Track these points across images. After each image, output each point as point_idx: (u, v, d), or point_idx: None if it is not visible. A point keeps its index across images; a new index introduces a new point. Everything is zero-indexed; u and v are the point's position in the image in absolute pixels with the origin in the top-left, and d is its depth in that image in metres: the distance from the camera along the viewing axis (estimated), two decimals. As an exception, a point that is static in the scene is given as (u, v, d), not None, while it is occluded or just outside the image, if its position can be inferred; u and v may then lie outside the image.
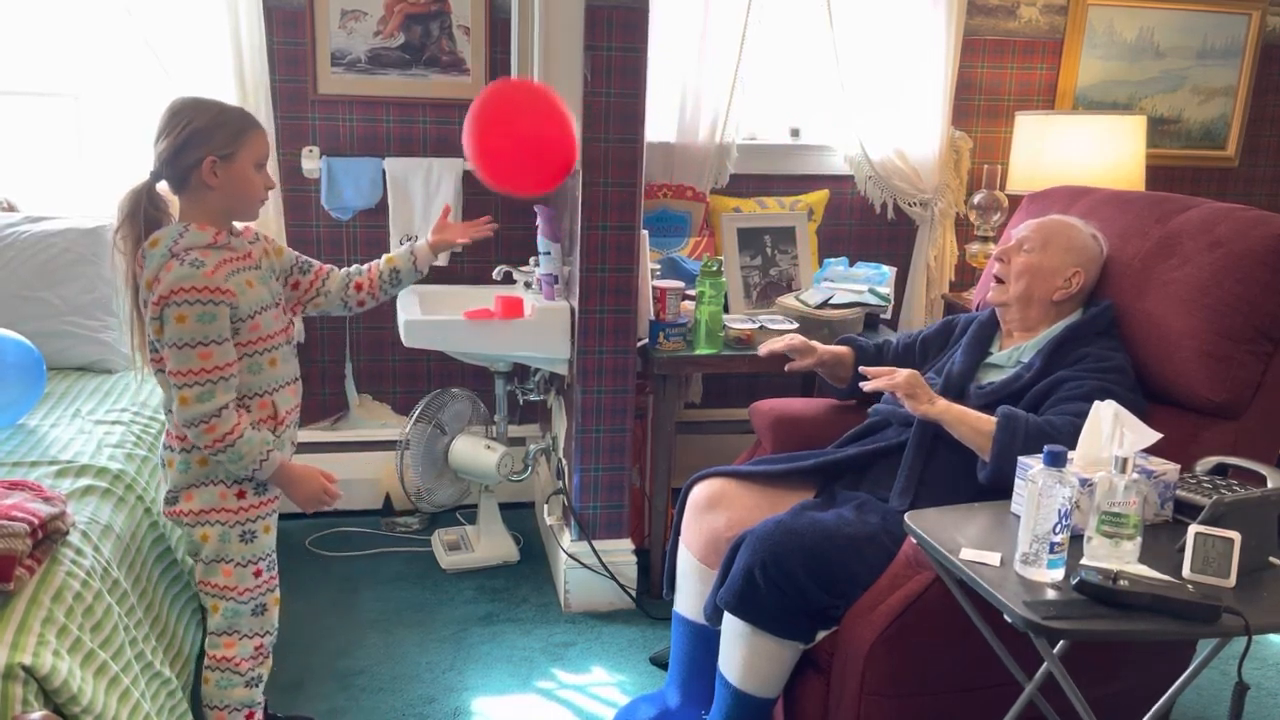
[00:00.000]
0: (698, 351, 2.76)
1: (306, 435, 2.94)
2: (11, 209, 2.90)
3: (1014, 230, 2.26)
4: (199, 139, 1.73)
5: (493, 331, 2.68)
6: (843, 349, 2.45)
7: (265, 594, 1.92)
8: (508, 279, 2.95)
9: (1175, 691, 1.65)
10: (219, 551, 1.85)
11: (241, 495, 1.84)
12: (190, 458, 1.82)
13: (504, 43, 3.06)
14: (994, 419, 1.94)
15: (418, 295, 2.91)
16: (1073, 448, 1.72)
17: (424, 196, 3.11)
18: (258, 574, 1.89)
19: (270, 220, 3.01)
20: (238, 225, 1.86)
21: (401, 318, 2.72)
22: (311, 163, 3.06)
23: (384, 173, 3.09)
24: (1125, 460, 1.54)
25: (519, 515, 3.21)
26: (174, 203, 1.81)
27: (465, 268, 3.20)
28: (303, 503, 1.89)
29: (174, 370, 1.72)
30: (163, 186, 1.78)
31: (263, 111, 2.95)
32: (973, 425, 1.97)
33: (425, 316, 2.72)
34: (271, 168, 2.98)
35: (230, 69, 2.88)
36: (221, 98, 2.82)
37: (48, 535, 1.59)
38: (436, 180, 3.10)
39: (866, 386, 2.10)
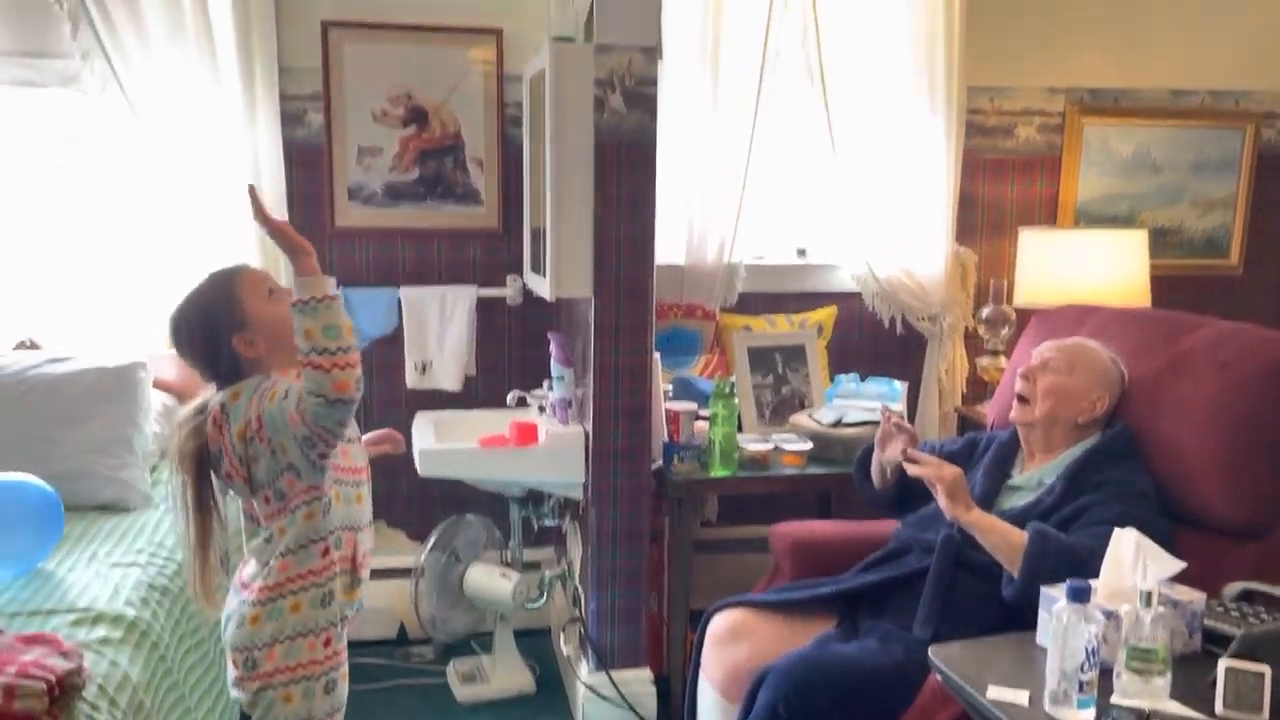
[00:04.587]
0: (713, 473, 2.76)
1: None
2: (34, 347, 2.95)
3: (1037, 349, 2.27)
4: (215, 334, 1.70)
5: (507, 458, 2.69)
6: None
7: None
8: (521, 404, 2.97)
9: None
10: (302, 711, 1.72)
11: (328, 643, 1.74)
12: (283, 605, 1.70)
13: (517, 172, 3.16)
14: (1025, 533, 1.92)
15: (433, 422, 2.94)
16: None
17: (439, 323, 3.16)
18: None
19: (287, 351, 3.05)
20: None
21: (417, 447, 2.73)
22: (328, 294, 3.11)
23: (399, 301, 3.15)
24: (1150, 594, 1.53)
25: (535, 642, 3.17)
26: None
27: (479, 393, 3.23)
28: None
29: (299, 419, 1.60)
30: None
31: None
32: (1004, 537, 1.96)
33: (440, 445, 2.74)
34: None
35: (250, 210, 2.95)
36: (240, 238, 2.95)
37: (64, 691, 1.58)
38: (451, 307, 3.15)
39: (912, 471, 2.07)
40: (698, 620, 2.34)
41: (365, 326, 3.15)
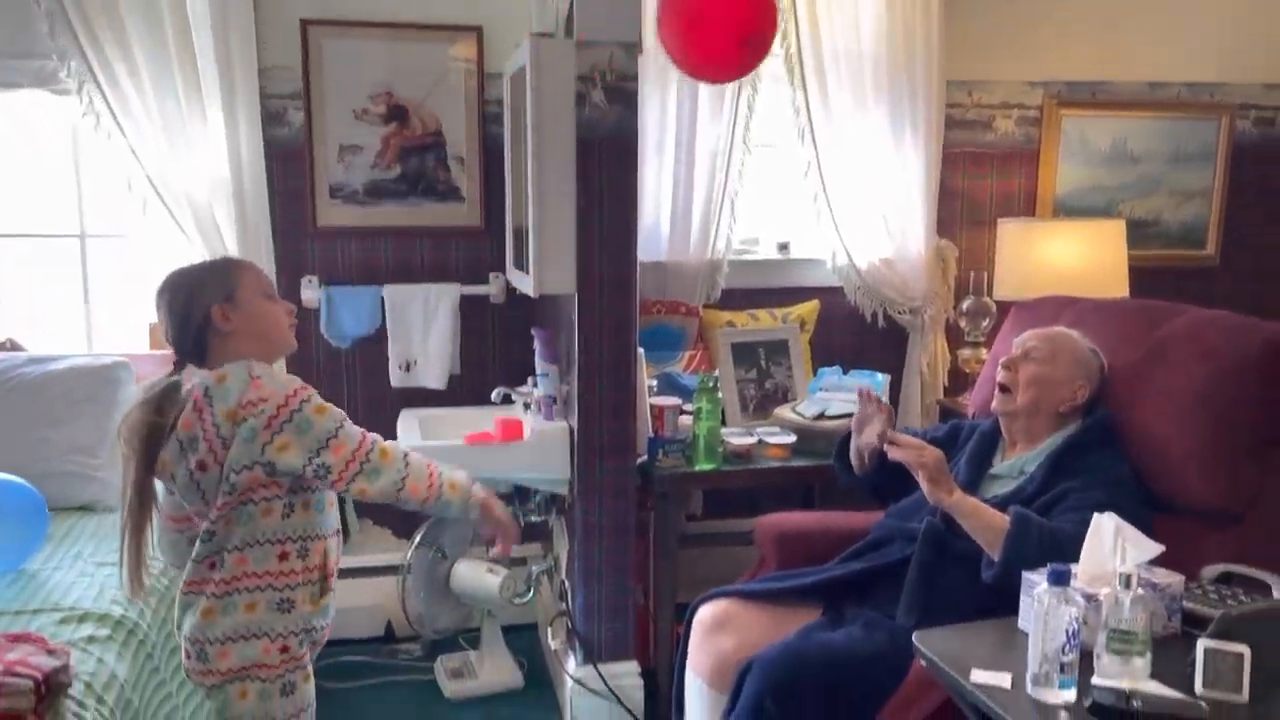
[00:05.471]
0: (697, 467, 2.77)
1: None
2: (16, 348, 2.94)
3: (1018, 339, 2.30)
4: (194, 299, 1.71)
5: (493, 454, 2.70)
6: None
7: None
8: (506, 400, 2.97)
9: (1198, 811, 1.62)
10: (258, 711, 1.71)
11: (285, 650, 1.73)
12: (237, 603, 1.70)
13: (498, 170, 3.16)
14: (1007, 517, 1.94)
15: (417, 419, 2.94)
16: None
17: (422, 321, 3.16)
18: None
19: (271, 350, 3.04)
20: None
21: (403, 444, 2.73)
22: (311, 292, 3.12)
23: (382, 300, 3.15)
24: (1129, 577, 1.55)
25: (522, 637, 3.18)
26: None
27: (464, 391, 3.23)
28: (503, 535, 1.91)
29: (353, 449, 1.67)
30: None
31: (263, 245, 3.02)
32: (986, 521, 1.97)
33: (426, 442, 2.74)
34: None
35: (231, 205, 2.96)
36: (223, 232, 2.95)
37: (51, 690, 1.58)
38: (434, 305, 3.16)
39: (893, 455, 2.08)
40: (684, 613, 2.35)
41: (348, 325, 3.15)
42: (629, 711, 2.72)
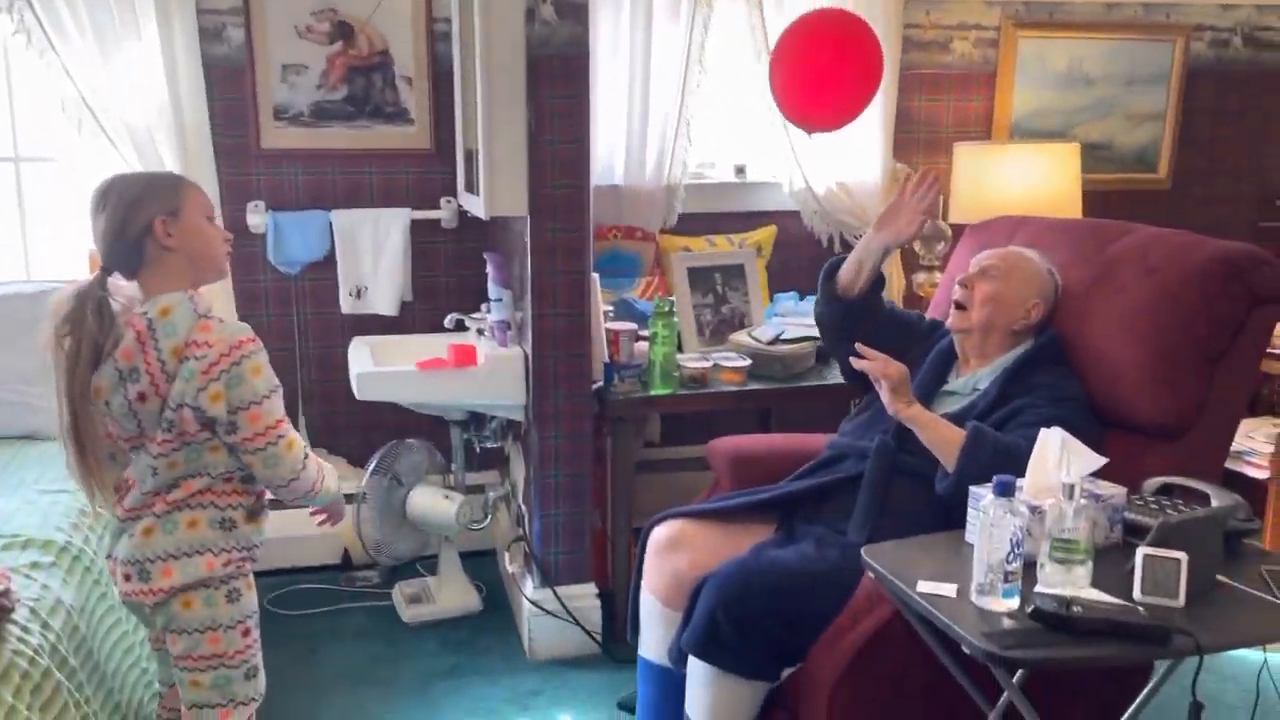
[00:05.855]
0: (653, 392, 2.77)
1: (261, 493, 2.92)
2: (-49, 276, 2.85)
3: (975, 258, 2.30)
4: (137, 208, 1.66)
5: (446, 381, 2.68)
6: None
7: (256, 654, 1.81)
8: (460, 327, 2.94)
9: (1133, 712, 1.67)
10: (205, 619, 1.71)
11: (228, 563, 1.72)
12: (178, 520, 1.69)
13: (448, 91, 3.08)
14: (963, 431, 1.97)
15: (369, 346, 2.90)
16: None
17: (373, 247, 3.10)
18: (246, 633, 1.77)
19: (217, 277, 2.98)
20: None
21: (354, 370, 2.71)
22: (257, 218, 3.05)
23: (331, 225, 3.08)
24: (1073, 487, 1.58)
25: (480, 563, 3.19)
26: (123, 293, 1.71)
27: (417, 316, 3.20)
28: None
29: (267, 424, 1.66)
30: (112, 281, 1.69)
31: (205, 168, 2.94)
32: (943, 435, 1.99)
33: (378, 368, 2.71)
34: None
35: (171, 127, 2.87)
36: (163, 155, 2.87)
37: (-8, 613, 1.56)
38: (385, 231, 3.10)
39: (858, 365, 2.08)
40: (640, 537, 2.36)
41: (296, 251, 3.09)
42: (587, 632, 2.75)
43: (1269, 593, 1.58)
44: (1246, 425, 3.11)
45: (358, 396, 2.68)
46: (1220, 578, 1.63)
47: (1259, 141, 3.88)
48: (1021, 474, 1.72)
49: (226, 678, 1.76)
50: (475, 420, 3.00)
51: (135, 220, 1.66)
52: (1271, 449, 3.00)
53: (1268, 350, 2.26)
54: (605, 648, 2.76)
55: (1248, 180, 3.89)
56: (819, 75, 2.84)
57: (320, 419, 3.23)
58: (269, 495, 1.81)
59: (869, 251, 2.35)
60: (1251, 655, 1.56)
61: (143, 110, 2.85)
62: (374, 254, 3.10)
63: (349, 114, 3.08)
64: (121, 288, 1.69)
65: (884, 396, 2.04)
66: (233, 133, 3.02)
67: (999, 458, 1.87)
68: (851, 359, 2.10)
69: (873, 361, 2.06)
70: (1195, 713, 1.50)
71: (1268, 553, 1.78)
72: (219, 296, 3.01)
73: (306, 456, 1.75)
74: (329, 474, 1.82)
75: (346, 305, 3.13)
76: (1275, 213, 3.90)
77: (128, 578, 1.71)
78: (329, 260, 3.11)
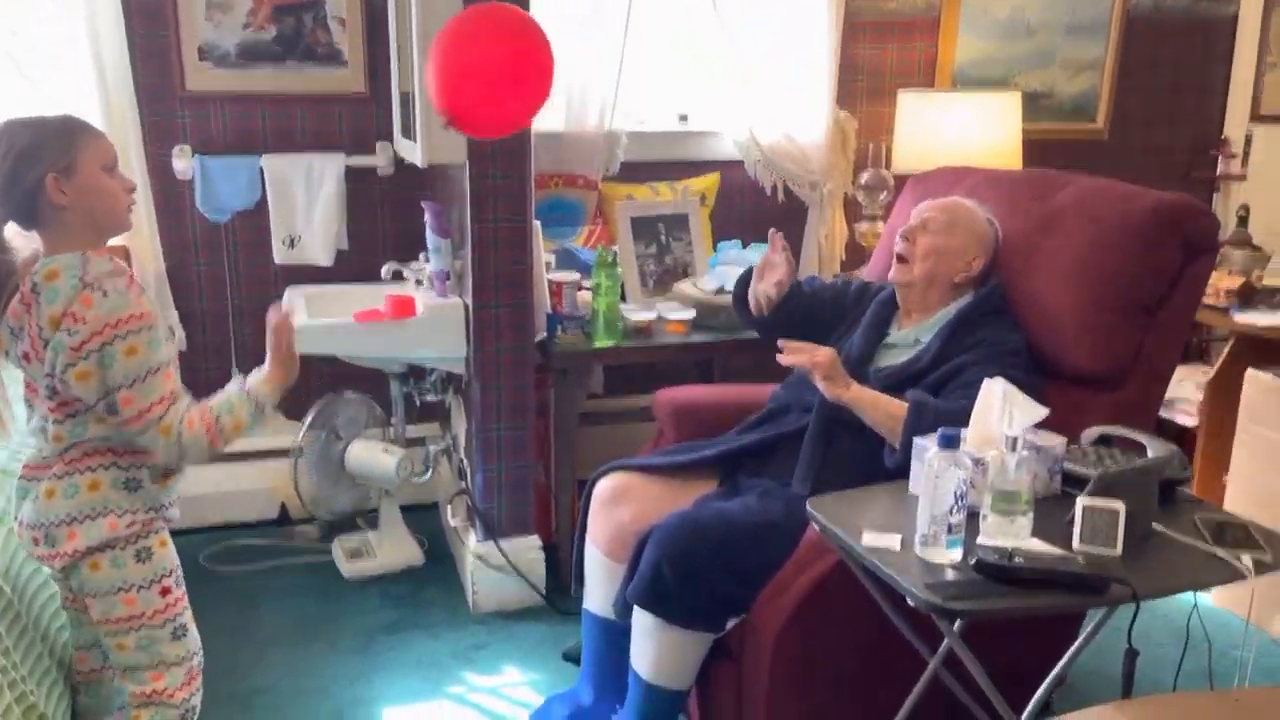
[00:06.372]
0: (597, 344, 2.74)
1: (193, 448, 2.86)
2: None
3: (916, 210, 2.29)
4: (28, 160, 1.57)
5: (384, 333, 2.62)
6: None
7: (181, 612, 1.76)
8: (397, 277, 2.87)
9: (1070, 658, 1.71)
10: (115, 580, 1.68)
11: (132, 524, 1.68)
12: (79, 482, 1.65)
13: (383, 34, 2.97)
14: (905, 405, 1.96)
15: (304, 297, 2.82)
16: None
17: (306, 194, 3.00)
18: (165, 592, 1.72)
19: (142, 225, 2.87)
20: None
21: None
22: (183, 162, 2.93)
23: (262, 171, 2.98)
24: (1015, 440, 1.59)
25: (422, 517, 3.15)
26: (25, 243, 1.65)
27: (354, 265, 3.11)
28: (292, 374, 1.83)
29: (141, 408, 1.60)
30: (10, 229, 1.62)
31: (127, 110, 2.82)
32: (885, 410, 1.99)
33: (313, 321, 2.63)
34: (139, 169, 2.85)
35: (89, 66, 2.73)
36: (82, 97, 2.73)
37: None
38: (318, 177, 3.00)
39: (784, 360, 2.06)
40: (584, 490, 2.35)
41: (225, 198, 2.98)
42: (531, 584, 2.74)
43: (1201, 540, 1.62)
44: (1176, 374, 3.18)
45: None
46: (1156, 526, 1.66)
47: (1193, 92, 3.92)
48: (966, 434, 1.72)
49: (150, 638, 1.72)
50: (415, 373, 2.94)
51: (25, 174, 1.58)
52: (1200, 397, 3.08)
53: (1202, 303, 2.30)
54: (549, 600, 2.75)
55: (1182, 130, 3.94)
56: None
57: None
58: None
59: (760, 295, 2.38)
60: (1183, 597, 1.59)
61: (59, 47, 2.70)
62: (307, 201, 3.00)
63: (278, 55, 2.96)
64: (22, 239, 1.63)
65: (819, 385, 2.01)
66: (156, 73, 2.89)
67: (943, 425, 1.87)
68: (778, 357, 2.07)
69: (797, 355, 2.03)
70: (1130, 658, 1.53)
71: (1200, 501, 1.82)
72: (145, 247, 2.90)
73: (181, 432, 1.64)
74: (226, 416, 1.69)
75: (280, 254, 3.03)
76: (1208, 162, 3.97)
77: (35, 542, 1.68)
78: (260, 208, 3.00)
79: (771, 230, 2.41)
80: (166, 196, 2.97)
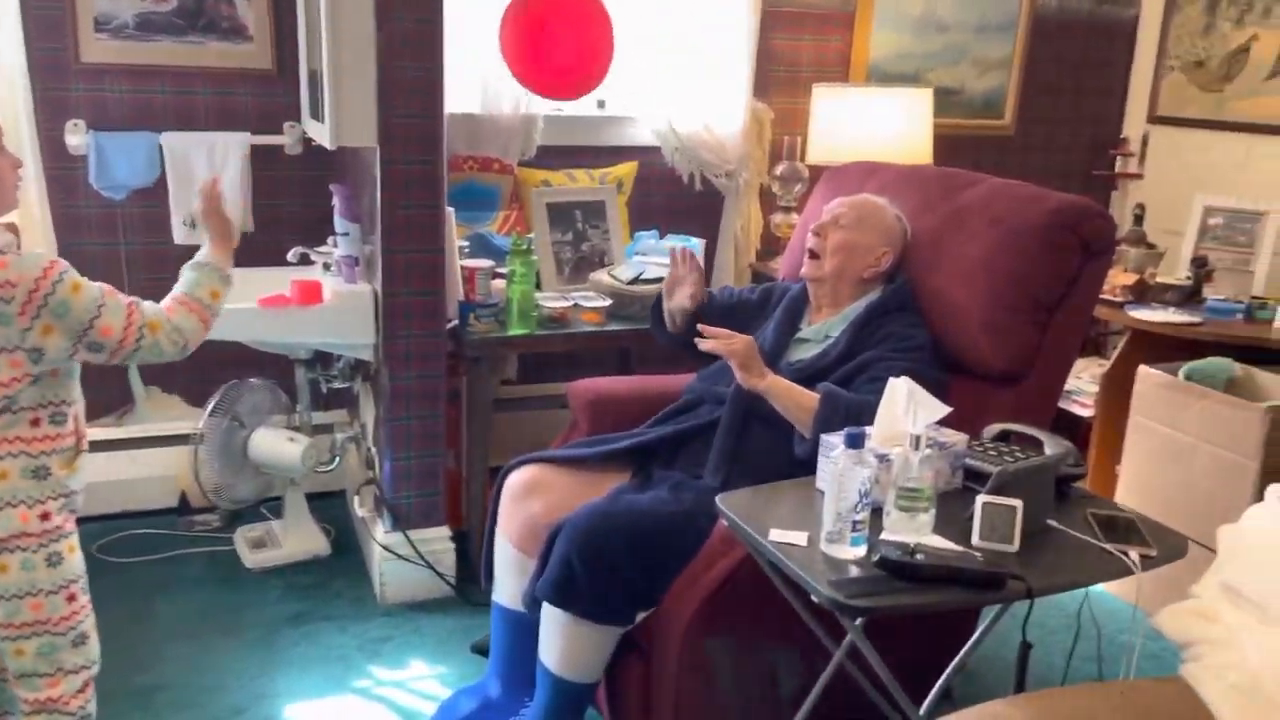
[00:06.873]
0: (511, 332, 2.71)
1: (91, 433, 2.75)
2: None
3: (828, 206, 2.31)
4: None
5: (289, 319, 2.55)
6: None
7: (84, 620, 1.72)
8: (304, 261, 2.80)
9: (968, 650, 1.75)
10: (23, 583, 1.62)
11: (46, 517, 1.64)
12: None
13: (290, 5, 2.88)
14: (816, 396, 1.99)
15: (206, 281, 2.72)
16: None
17: (208, 173, 2.89)
18: (72, 599, 1.68)
19: (32, 203, 2.74)
20: None
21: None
22: (77, 138, 2.80)
23: (161, 149, 2.86)
24: (919, 437, 1.61)
25: (329, 505, 3.09)
26: None
27: (257, 250, 3.01)
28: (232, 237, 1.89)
29: (122, 325, 1.62)
30: None
31: (18, 82, 2.68)
32: (797, 401, 2.01)
33: (215, 305, 2.54)
34: (30, 144, 2.72)
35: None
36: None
37: None
38: (221, 156, 2.90)
39: (703, 346, 2.07)
40: (496, 480, 2.32)
41: (122, 175, 2.87)
42: (440, 575, 2.71)
43: (1093, 535, 1.67)
44: (1074, 366, 3.29)
45: (193, 335, 2.52)
46: (1050, 521, 1.70)
47: (1095, 92, 4.04)
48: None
49: (52, 645, 1.67)
50: (322, 359, 2.88)
51: None
52: (1096, 389, 3.18)
53: (1099, 298, 2.37)
54: (459, 591, 2.72)
55: (1084, 128, 4.06)
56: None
57: (153, 356, 3.03)
58: (86, 438, 1.73)
59: (672, 313, 2.42)
60: (1075, 589, 1.65)
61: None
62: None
63: (179, 28, 2.84)
64: None
65: (736, 373, 2.03)
66: (49, 44, 2.75)
67: (851, 417, 1.90)
68: (696, 341, 2.09)
69: (715, 341, 2.04)
70: (1024, 652, 1.58)
71: (1093, 496, 1.87)
72: (35, 224, 2.77)
73: (170, 314, 1.72)
74: (198, 289, 1.79)
75: (180, 235, 2.93)
76: (1108, 162, 4.10)
77: None
78: (160, 186, 2.90)
79: (672, 248, 2.43)
80: (58, 173, 2.83)
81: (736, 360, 2.02)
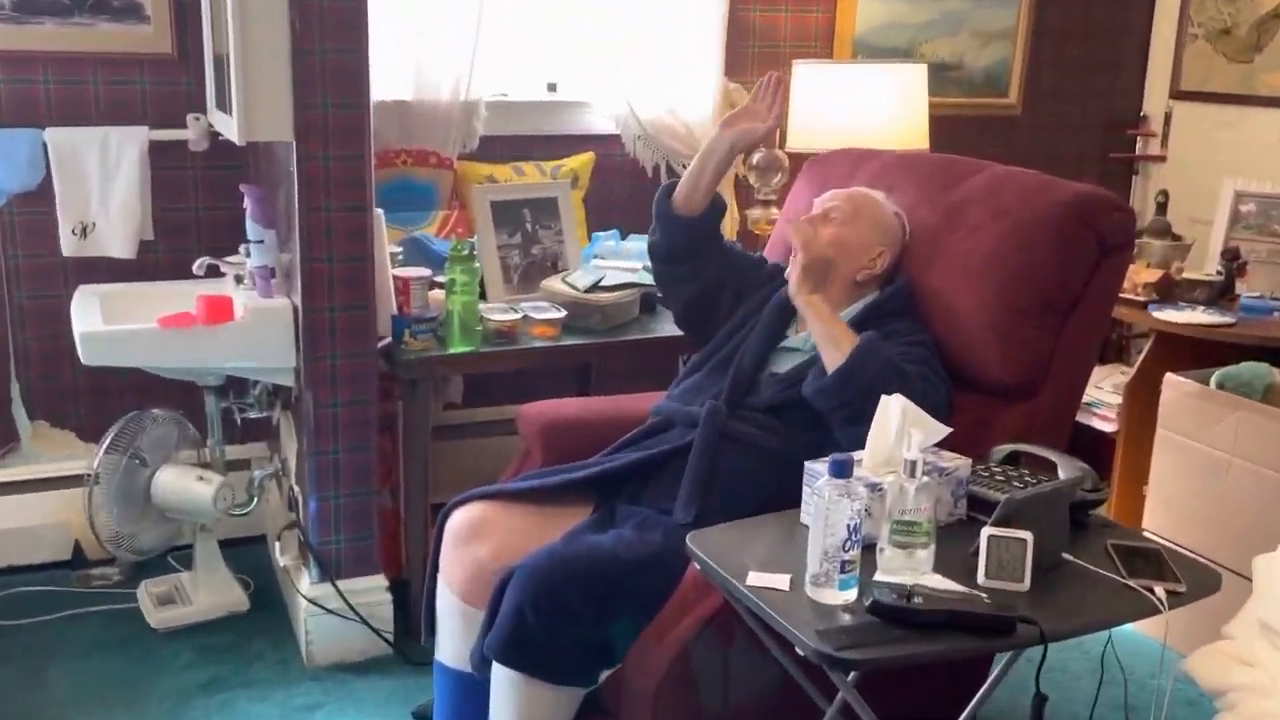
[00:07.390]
0: (452, 349, 2.70)
1: (-35, 477, 2.74)
2: None
3: (818, 199, 2.31)
4: None
5: (196, 340, 2.53)
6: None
7: None
8: (212, 273, 2.78)
9: (978, 702, 1.75)
10: None
11: None
12: None
13: (192, -17, 2.87)
14: (857, 337, 2.03)
15: (99, 298, 2.71)
16: (919, 402, 1.80)
17: (101, 174, 2.88)
18: None
19: (-107, 211, 2.70)
20: None
21: (78, 329, 2.51)
22: (-53, 135, 2.77)
23: (45, 146, 2.84)
24: (914, 464, 1.61)
25: (247, 553, 3.06)
26: None
27: (161, 259, 2.99)
28: None
29: None
30: None
31: (-127, 72, 2.64)
32: (838, 331, 2.06)
33: (109, 327, 2.53)
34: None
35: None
36: None
37: None
38: (116, 154, 2.88)
39: (789, 228, 2.14)
40: (438, 518, 2.31)
41: (1, 179, 2.83)
42: (375, 631, 2.69)
43: (1114, 570, 1.67)
44: (1094, 375, 3.31)
45: (84, 361, 2.50)
46: (1066, 555, 1.71)
47: (1111, 65, 4.08)
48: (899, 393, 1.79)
49: None
50: (235, 385, 2.86)
51: None
52: (1118, 400, 3.21)
53: (1119, 297, 2.39)
54: (397, 648, 2.70)
55: (1099, 105, 4.10)
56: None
57: (39, 385, 3.01)
58: None
59: (711, 153, 2.38)
60: (1098, 626, 1.65)
61: None
62: (102, 182, 2.87)
63: (64, 8, 2.82)
64: None
65: (793, 271, 2.10)
66: (-92, 26, 2.73)
67: (886, 373, 1.95)
68: (785, 224, 2.12)
69: (804, 228, 2.12)
70: (1039, 705, 1.58)
71: (1113, 525, 1.88)
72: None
73: None
74: None
75: (69, 246, 2.89)
76: (1127, 143, 4.14)
77: None
78: (45, 190, 2.86)
79: (773, 73, 2.39)
80: (-75, 176, 2.80)
81: (805, 259, 2.10)
